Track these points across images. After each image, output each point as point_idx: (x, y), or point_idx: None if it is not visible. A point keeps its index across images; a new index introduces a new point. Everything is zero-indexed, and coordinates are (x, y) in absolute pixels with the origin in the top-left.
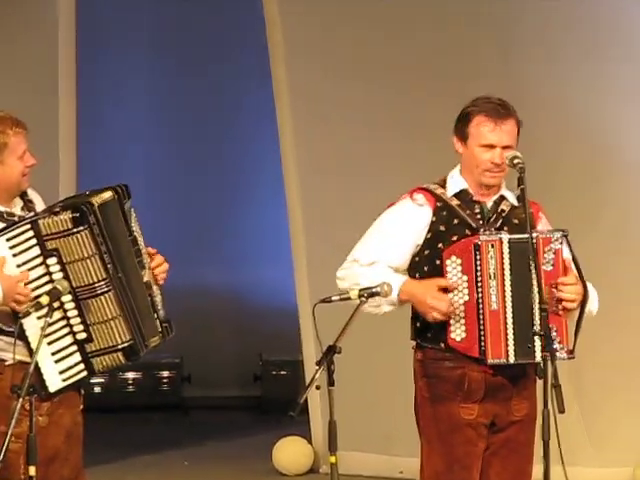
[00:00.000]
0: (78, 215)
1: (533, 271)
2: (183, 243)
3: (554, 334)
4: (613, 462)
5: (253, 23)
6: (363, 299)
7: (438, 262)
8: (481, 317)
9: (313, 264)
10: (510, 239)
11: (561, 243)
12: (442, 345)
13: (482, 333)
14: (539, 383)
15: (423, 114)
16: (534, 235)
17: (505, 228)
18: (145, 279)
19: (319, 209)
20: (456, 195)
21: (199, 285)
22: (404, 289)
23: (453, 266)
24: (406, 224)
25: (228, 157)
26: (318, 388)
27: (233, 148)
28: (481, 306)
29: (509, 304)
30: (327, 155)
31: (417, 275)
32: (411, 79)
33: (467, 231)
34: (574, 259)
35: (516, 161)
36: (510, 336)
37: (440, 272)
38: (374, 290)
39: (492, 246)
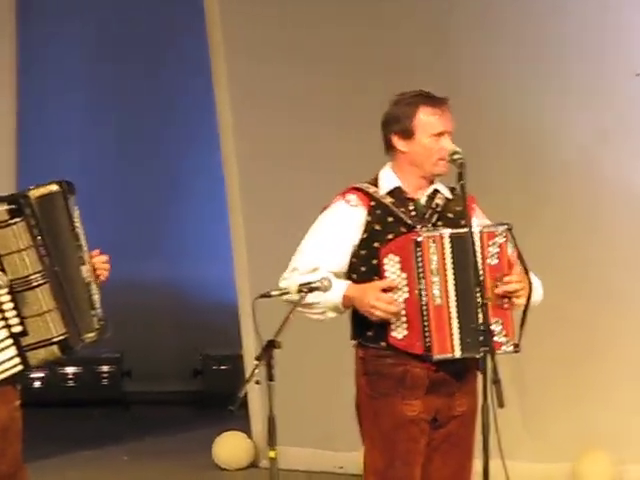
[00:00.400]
0: (14, 207)
1: (475, 265)
2: (124, 238)
3: (500, 328)
4: (553, 457)
5: (192, 19)
6: (303, 294)
7: (375, 262)
8: (425, 313)
9: (253, 259)
10: (451, 234)
11: (505, 237)
12: (383, 344)
13: (427, 329)
14: (480, 377)
15: (361, 110)
16: (478, 230)
17: (440, 223)
18: (84, 275)
19: (260, 204)
20: (389, 193)
21: (139, 280)
22: (346, 294)
23: (391, 264)
24: (341, 226)
25: (168, 153)
26: (258, 383)
27: (173, 144)
28: (425, 302)
29: (453, 299)
30: (268, 150)
31: (355, 276)
32: (350, 75)
33: (402, 229)
34: (518, 253)
35: (456, 157)
36: (455, 331)
37: (377, 272)
38: (314, 285)
39: (433, 242)
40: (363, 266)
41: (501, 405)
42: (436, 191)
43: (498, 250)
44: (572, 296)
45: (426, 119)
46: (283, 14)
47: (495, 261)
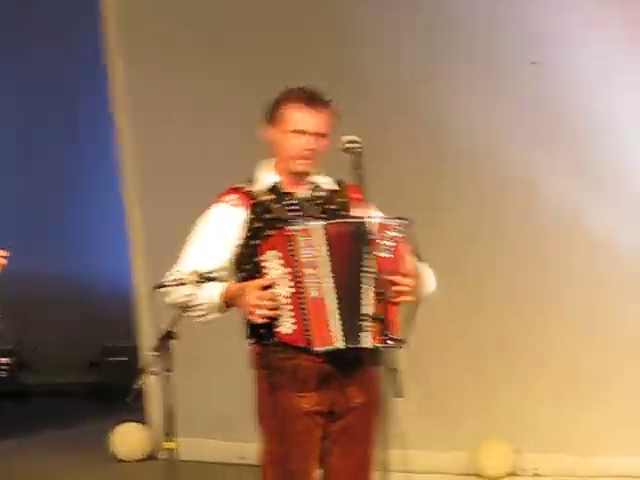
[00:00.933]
0: None
1: (359, 256)
2: (21, 231)
3: (379, 322)
4: (453, 445)
5: (92, 21)
6: (199, 284)
7: (257, 259)
8: (303, 306)
9: (150, 250)
10: (324, 225)
11: (400, 231)
12: (274, 339)
13: (306, 322)
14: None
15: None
16: (368, 221)
17: (324, 215)
18: None
19: (157, 197)
20: (269, 190)
21: (38, 272)
22: (227, 294)
23: (271, 260)
24: (222, 227)
25: (64, 145)
26: (155, 374)
27: (70, 136)
28: (302, 295)
29: (331, 291)
30: (164, 147)
31: (241, 275)
32: (254, 77)
33: (282, 224)
34: (415, 249)
35: (352, 145)
36: (335, 322)
37: (260, 269)
38: (211, 275)
39: (304, 235)
40: (247, 264)
41: (398, 395)
42: (317, 184)
43: (390, 244)
44: (475, 288)
45: (289, 113)
46: (185, 14)
47: (386, 254)
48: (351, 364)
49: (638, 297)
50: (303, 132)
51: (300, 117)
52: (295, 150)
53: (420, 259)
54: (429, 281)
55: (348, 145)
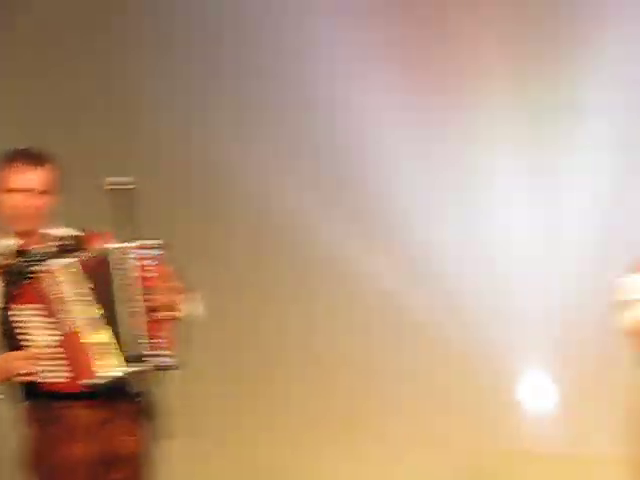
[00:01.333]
0: None
1: (121, 281)
2: None
3: (155, 343)
4: None
5: None
6: None
7: (14, 319)
8: (68, 347)
9: None
10: (77, 260)
11: (157, 252)
12: (43, 393)
13: (73, 362)
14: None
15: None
16: (118, 246)
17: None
18: None
19: None
20: (9, 254)
21: None
22: None
23: (28, 313)
24: None
25: None
26: None
27: None
28: (65, 336)
29: (95, 322)
30: None
31: (9, 342)
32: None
33: (28, 281)
34: (175, 272)
35: (116, 187)
36: (95, 354)
37: (22, 327)
38: None
39: (57, 274)
40: (10, 330)
41: (163, 437)
42: (55, 236)
43: (147, 264)
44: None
45: (3, 174)
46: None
47: (143, 275)
48: (122, 409)
49: (417, 338)
50: (16, 190)
51: (12, 176)
52: (10, 209)
53: (177, 278)
54: (194, 301)
55: (112, 187)
